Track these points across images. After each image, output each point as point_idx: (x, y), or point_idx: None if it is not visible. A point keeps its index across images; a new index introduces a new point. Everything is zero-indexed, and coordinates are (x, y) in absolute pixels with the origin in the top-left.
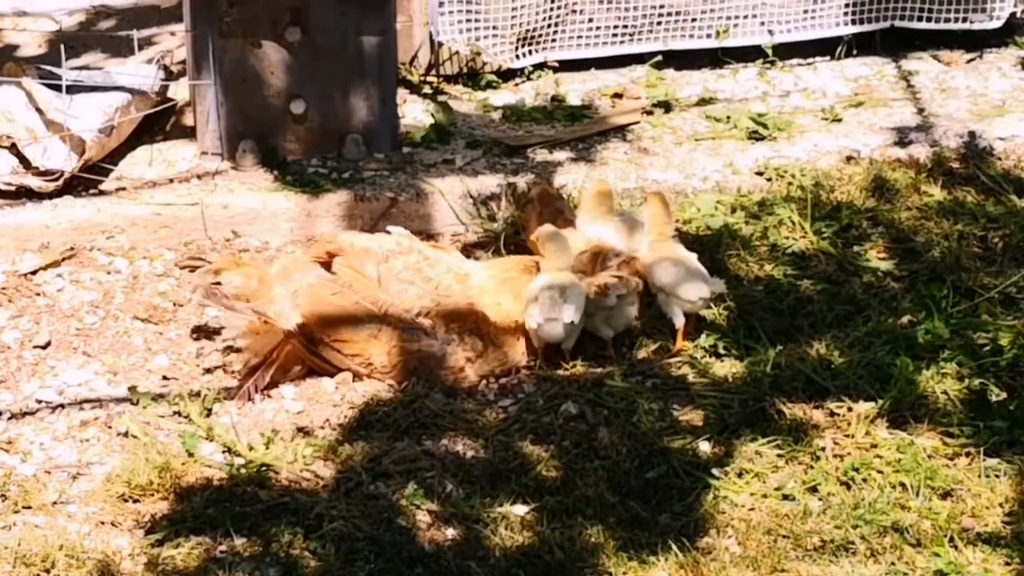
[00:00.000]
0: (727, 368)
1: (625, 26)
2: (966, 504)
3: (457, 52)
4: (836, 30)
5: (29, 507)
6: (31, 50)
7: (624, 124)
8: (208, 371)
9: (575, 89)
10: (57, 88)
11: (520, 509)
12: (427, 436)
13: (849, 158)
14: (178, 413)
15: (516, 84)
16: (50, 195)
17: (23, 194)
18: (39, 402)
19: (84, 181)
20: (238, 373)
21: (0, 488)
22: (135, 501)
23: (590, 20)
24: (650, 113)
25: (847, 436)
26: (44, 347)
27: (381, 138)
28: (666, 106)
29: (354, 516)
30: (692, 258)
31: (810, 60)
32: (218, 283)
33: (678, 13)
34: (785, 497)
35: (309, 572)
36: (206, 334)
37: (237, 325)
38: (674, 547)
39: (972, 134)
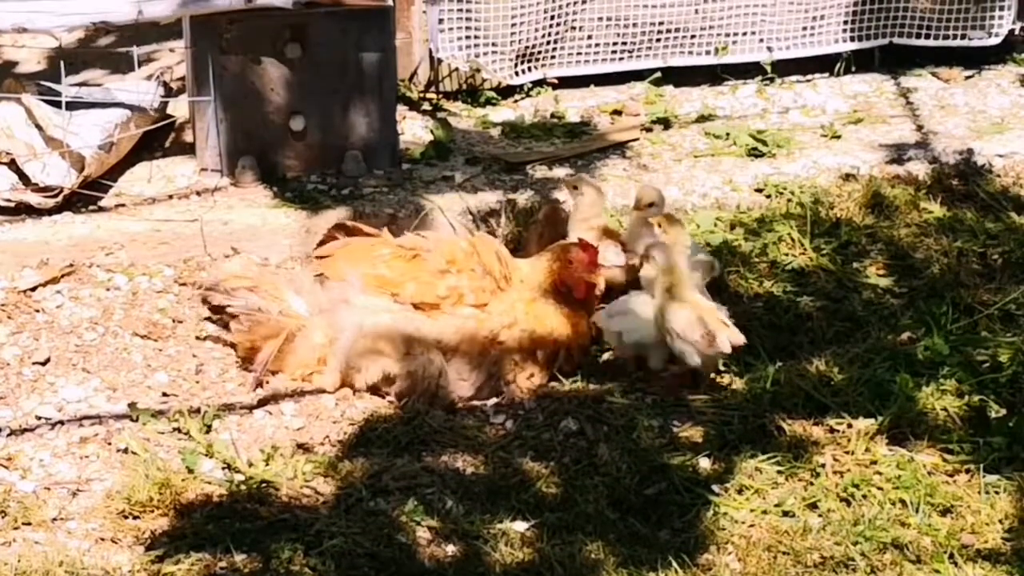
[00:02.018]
0: (727, 384)
1: (624, 43)
2: (966, 520)
3: (456, 69)
4: (835, 47)
5: (29, 523)
6: (31, 66)
7: (623, 141)
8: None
9: (574, 106)
10: (57, 104)
11: (520, 525)
12: (427, 452)
13: (848, 175)
14: (178, 429)
15: (515, 101)
16: (49, 211)
17: (22, 210)
18: (39, 418)
19: (83, 197)
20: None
21: (0, 504)
22: (135, 517)
23: (589, 37)
24: (649, 130)
25: (847, 452)
26: (43, 363)
27: (380, 155)
28: (665, 123)
29: (354, 532)
30: (695, 278)
31: (809, 77)
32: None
33: (677, 30)
34: (785, 514)
35: None
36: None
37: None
38: (674, 563)
39: (971, 151)
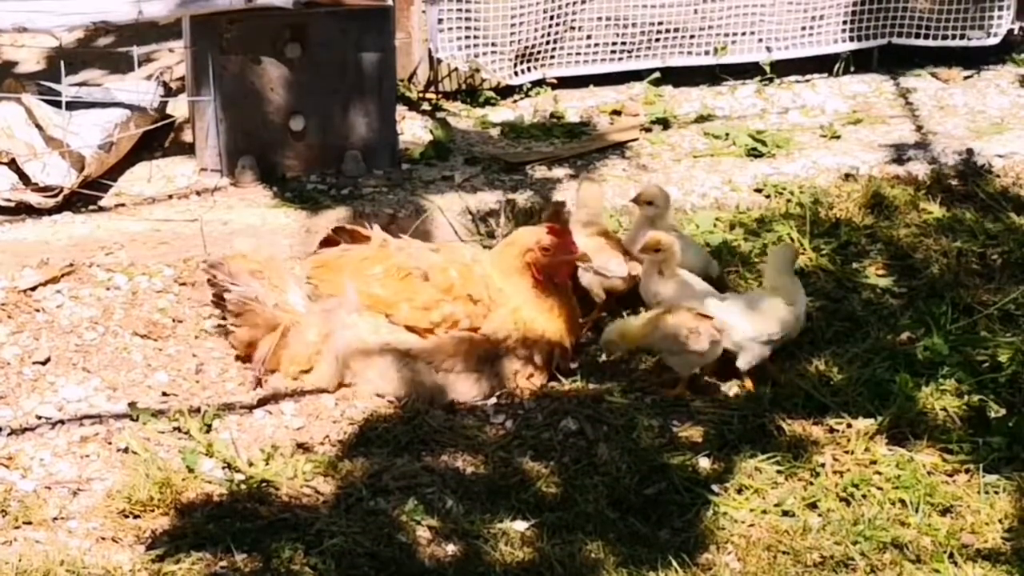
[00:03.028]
0: (726, 384)
1: (623, 43)
2: (965, 520)
3: (456, 69)
4: (834, 47)
5: (30, 523)
6: (31, 66)
7: (623, 141)
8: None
9: (574, 106)
10: (57, 104)
11: (520, 525)
12: (427, 452)
13: (848, 175)
14: (178, 429)
15: (515, 101)
16: (49, 211)
17: (22, 210)
18: (39, 418)
19: (83, 197)
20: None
21: (0, 504)
22: (135, 517)
23: (588, 37)
24: (648, 130)
25: (846, 452)
26: (44, 363)
27: (380, 155)
28: (664, 123)
29: (354, 532)
30: (697, 281)
31: (808, 77)
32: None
33: (676, 30)
34: (785, 513)
35: None
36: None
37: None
38: (674, 563)
39: (970, 151)
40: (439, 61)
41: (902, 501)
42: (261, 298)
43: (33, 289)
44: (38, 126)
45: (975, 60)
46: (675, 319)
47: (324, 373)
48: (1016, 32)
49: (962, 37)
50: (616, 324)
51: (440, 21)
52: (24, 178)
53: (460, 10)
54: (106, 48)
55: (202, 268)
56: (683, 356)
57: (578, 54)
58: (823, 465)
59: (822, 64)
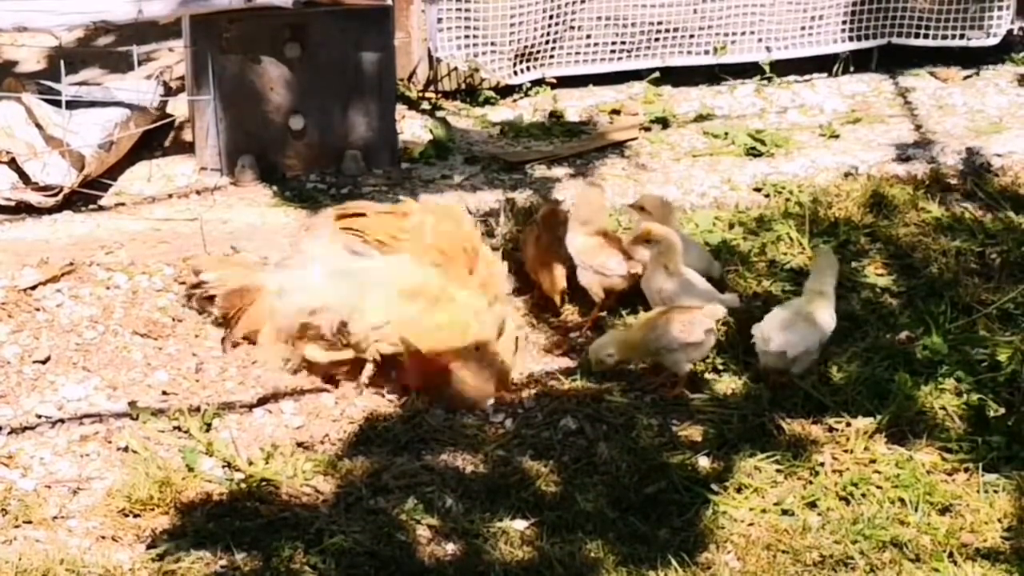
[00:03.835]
0: (726, 384)
1: (623, 43)
2: (965, 519)
3: (455, 68)
4: (833, 47)
5: (30, 522)
6: (30, 66)
7: (622, 140)
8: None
9: (573, 105)
10: (57, 104)
11: (520, 524)
12: (427, 451)
13: (847, 174)
14: (178, 428)
15: (514, 100)
16: (49, 210)
17: (23, 209)
18: (39, 417)
19: (83, 196)
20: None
21: (0, 503)
22: (135, 516)
23: (588, 36)
24: (648, 129)
25: (846, 451)
26: (44, 362)
27: (380, 154)
28: (664, 122)
29: (354, 531)
30: (700, 280)
31: (807, 77)
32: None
33: (676, 30)
34: (784, 512)
35: None
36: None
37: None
38: (674, 562)
39: (969, 151)
40: (439, 60)
41: (901, 500)
42: (235, 270)
43: (33, 288)
44: (38, 125)
45: (974, 60)
46: (668, 316)
47: (268, 334)
48: (1015, 32)
49: (961, 37)
50: (610, 336)
51: (439, 20)
52: (24, 177)
53: (460, 9)
54: (106, 48)
55: (186, 274)
56: (680, 352)
57: (578, 54)
58: (822, 464)
59: (821, 64)
